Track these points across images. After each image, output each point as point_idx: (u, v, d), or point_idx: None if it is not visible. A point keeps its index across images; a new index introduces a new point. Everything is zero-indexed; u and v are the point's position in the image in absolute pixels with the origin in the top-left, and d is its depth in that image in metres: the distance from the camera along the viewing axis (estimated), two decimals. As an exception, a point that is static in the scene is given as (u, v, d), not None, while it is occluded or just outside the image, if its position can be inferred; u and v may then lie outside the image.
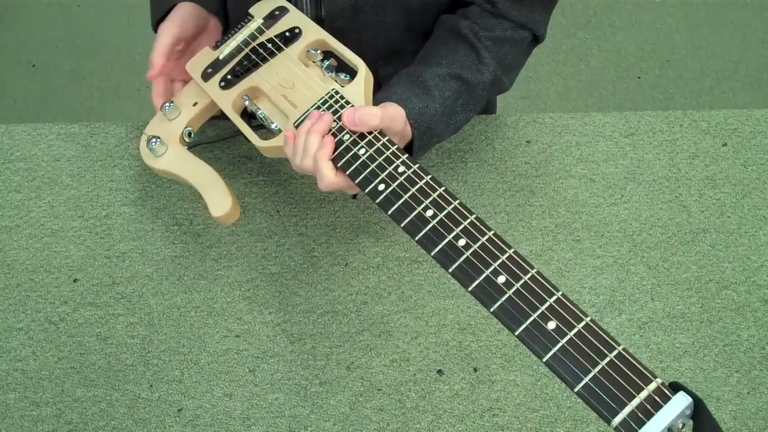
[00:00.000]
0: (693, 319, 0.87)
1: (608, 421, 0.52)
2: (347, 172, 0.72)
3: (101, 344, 0.87)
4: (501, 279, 0.60)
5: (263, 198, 0.94)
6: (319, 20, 0.89)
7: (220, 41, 0.90)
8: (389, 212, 0.69)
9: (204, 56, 0.90)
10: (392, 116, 0.76)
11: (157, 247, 0.92)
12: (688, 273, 0.89)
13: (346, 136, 0.75)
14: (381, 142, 0.73)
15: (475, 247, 0.63)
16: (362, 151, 0.73)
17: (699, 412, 0.51)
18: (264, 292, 0.89)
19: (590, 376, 0.54)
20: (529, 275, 0.60)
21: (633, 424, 0.51)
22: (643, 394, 0.51)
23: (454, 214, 0.66)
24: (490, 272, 0.61)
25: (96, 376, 0.86)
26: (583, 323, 0.56)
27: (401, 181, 0.69)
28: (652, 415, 0.50)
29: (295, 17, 0.88)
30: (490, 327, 0.87)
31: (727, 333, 0.87)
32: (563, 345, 0.55)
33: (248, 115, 0.85)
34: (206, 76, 0.88)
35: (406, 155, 0.71)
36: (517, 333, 0.58)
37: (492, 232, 0.63)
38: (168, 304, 0.89)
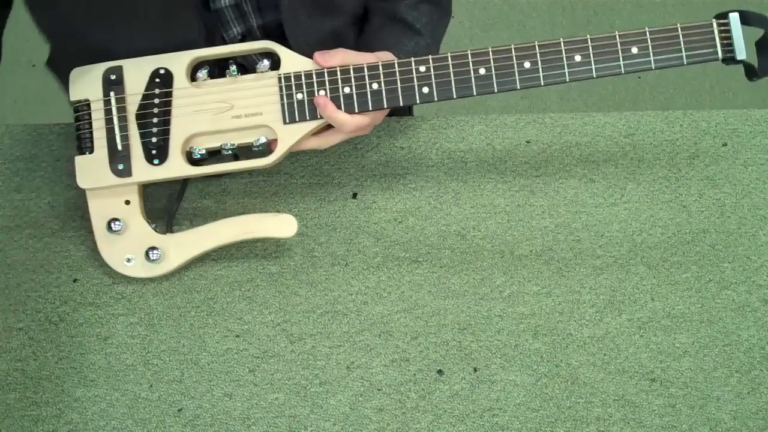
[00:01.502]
0: (693, 319, 0.87)
1: (718, 60, 0.78)
2: (386, 104, 0.77)
3: (101, 344, 0.87)
4: (578, 57, 0.76)
5: (263, 198, 0.94)
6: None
7: (81, 145, 0.81)
8: (456, 96, 0.77)
9: (89, 164, 0.80)
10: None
11: (157, 247, 0.92)
12: (688, 273, 0.89)
13: (346, 89, 0.77)
14: (385, 70, 0.77)
15: (539, 58, 0.76)
16: (375, 85, 0.77)
17: (745, 17, 0.76)
18: (264, 292, 0.89)
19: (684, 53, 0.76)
20: (588, 39, 0.75)
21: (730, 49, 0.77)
22: (717, 35, 0.76)
23: (500, 53, 0.76)
24: (567, 59, 0.76)
25: (96, 376, 0.86)
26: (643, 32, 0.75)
27: (435, 72, 0.76)
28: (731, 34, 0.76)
29: (138, 65, 0.80)
30: (490, 327, 0.87)
31: (727, 333, 0.87)
32: (652, 51, 0.75)
33: (213, 155, 0.81)
34: (123, 172, 0.80)
35: (413, 58, 0.77)
36: (624, 71, 0.76)
37: (536, 41, 0.76)
38: (168, 304, 0.89)
